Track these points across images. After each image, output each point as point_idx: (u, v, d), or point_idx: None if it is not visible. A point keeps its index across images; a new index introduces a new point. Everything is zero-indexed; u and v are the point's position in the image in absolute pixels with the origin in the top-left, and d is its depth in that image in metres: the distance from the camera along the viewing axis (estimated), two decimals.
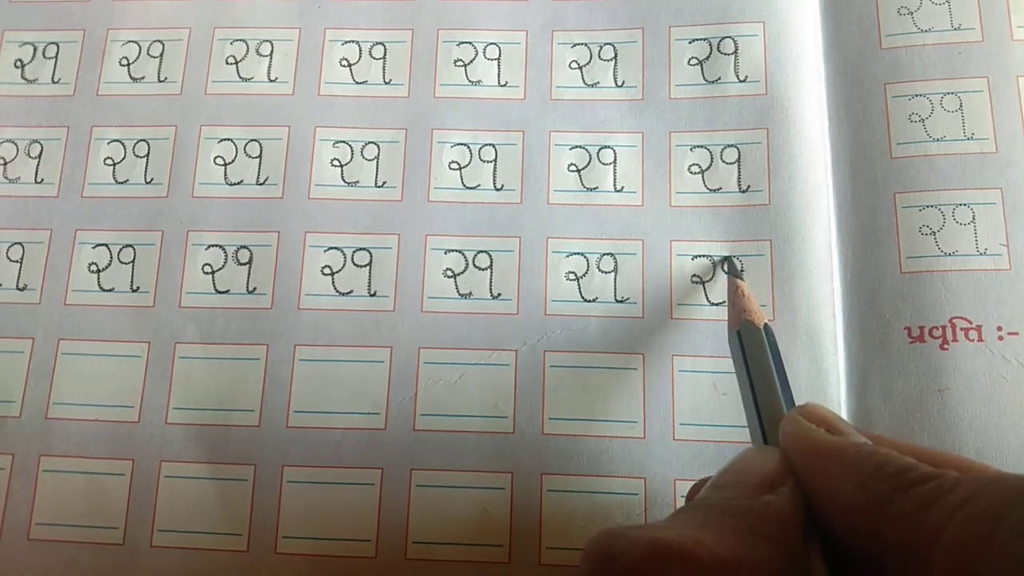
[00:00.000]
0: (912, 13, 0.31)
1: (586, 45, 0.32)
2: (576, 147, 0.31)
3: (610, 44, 0.32)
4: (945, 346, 0.28)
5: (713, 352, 0.28)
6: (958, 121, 0.30)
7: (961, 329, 0.28)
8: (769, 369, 0.23)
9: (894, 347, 0.28)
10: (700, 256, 0.29)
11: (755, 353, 0.23)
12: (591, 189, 0.30)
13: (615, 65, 0.31)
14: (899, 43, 0.31)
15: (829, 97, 0.31)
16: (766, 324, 0.24)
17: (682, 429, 0.28)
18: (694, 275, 0.29)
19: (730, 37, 0.31)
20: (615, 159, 0.30)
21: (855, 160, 0.30)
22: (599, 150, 0.31)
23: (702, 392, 0.28)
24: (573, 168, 0.31)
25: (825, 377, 0.28)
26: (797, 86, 0.31)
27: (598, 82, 0.31)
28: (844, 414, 0.28)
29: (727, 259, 0.29)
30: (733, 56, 0.31)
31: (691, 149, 0.30)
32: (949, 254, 0.28)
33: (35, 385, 0.30)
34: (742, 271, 0.28)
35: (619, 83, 0.31)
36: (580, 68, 0.32)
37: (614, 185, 0.30)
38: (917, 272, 0.28)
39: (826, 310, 0.29)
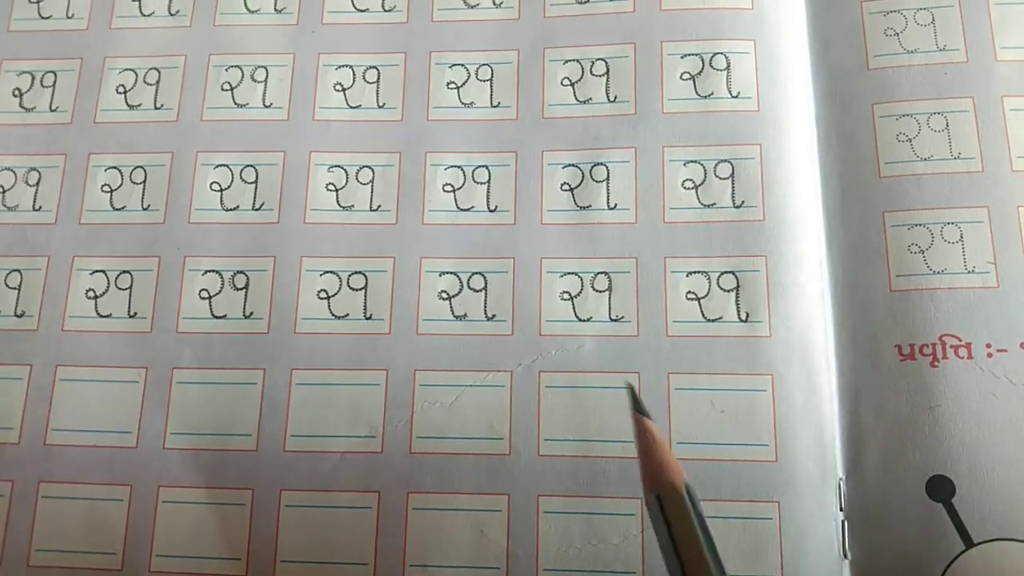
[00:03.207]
0: (898, 34, 0.31)
1: (578, 61, 0.32)
2: (569, 165, 0.31)
3: (602, 59, 0.32)
4: (935, 364, 0.28)
5: (710, 369, 0.28)
6: (944, 141, 0.30)
7: (951, 347, 0.28)
8: (697, 540, 0.19)
9: (885, 365, 0.28)
10: (695, 272, 0.29)
11: (680, 521, 0.20)
12: (584, 208, 0.30)
13: (607, 80, 0.32)
14: (886, 63, 0.31)
15: (818, 116, 0.31)
16: (687, 483, 0.20)
17: (679, 448, 0.28)
18: (689, 292, 0.29)
19: (722, 53, 0.31)
20: (608, 176, 0.31)
21: (844, 179, 0.30)
22: (592, 167, 0.31)
23: (699, 410, 0.28)
24: (566, 187, 0.31)
25: (819, 394, 0.28)
26: (788, 104, 0.31)
27: (590, 98, 0.31)
28: (837, 431, 0.28)
29: (630, 389, 0.22)
30: (725, 72, 0.31)
31: (684, 164, 0.30)
32: (938, 272, 0.29)
33: (34, 411, 0.30)
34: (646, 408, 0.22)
35: (611, 98, 0.31)
36: (572, 84, 0.32)
37: (607, 203, 0.30)
38: (907, 290, 0.29)
39: (819, 327, 0.29)
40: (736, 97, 0.31)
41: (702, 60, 0.31)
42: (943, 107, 0.30)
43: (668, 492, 0.20)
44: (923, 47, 0.31)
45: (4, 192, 0.32)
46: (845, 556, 0.27)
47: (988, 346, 0.28)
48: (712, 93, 0.31)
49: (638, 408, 0.22)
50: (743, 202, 0.30)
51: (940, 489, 0.27)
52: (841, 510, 0.27)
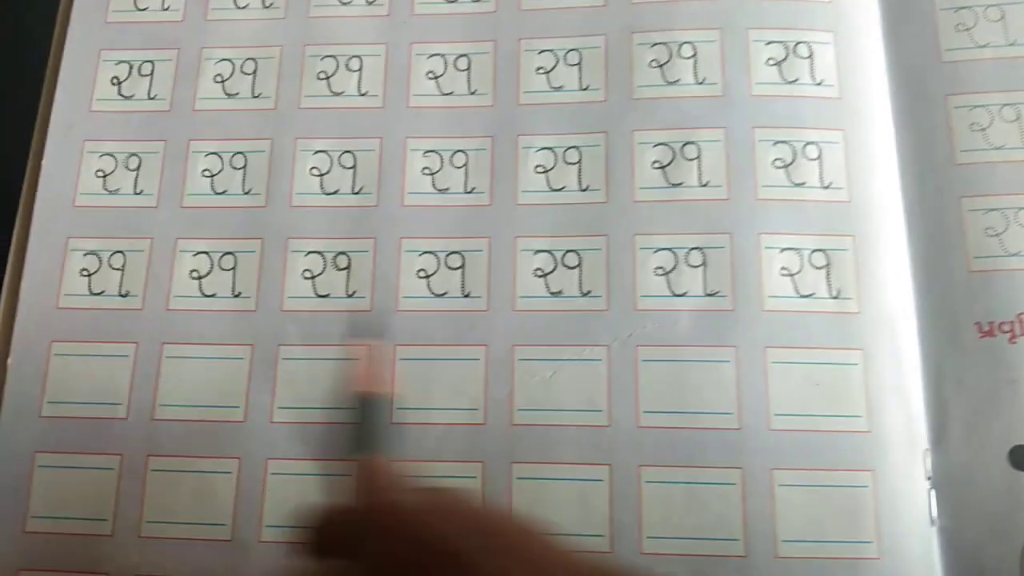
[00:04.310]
0: (969, 29, 0.33)
1: (665, 44, 0.33)
2: (660, 144, 0.32)
3: (689, 43, 0.33)
4: (1014, 340, 0.29)
5: (804, 344, 0.29)
6: (1016, 131, 0.31)
7: None
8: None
9: (966, 341, 0.29)
10: (788, 249, 0.30)
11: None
12: (676, 185, 0.31)
13: (695, 62, 0.32)
14: (958, 57, 0.32)
15: (894, 106, 0.32)
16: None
17: (777, 419, 0.28)
18: (783, 267, 0.30)
19: (804, 42, 0.32)
20: (699, 154, 0.31)
21: (922, 166, 0.31)
22: (683, 146, 0.32)
23: (796, 382, 0.29)
24: (657, 165, 0.31)
25: (905, 368, 0.29)
26: (867, 93, 0.32)
27: (678, 79, 0.32)
28: (922, 404, 0.29)
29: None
30: (808, 60, 0.32)
31: (774, 144, 0.31)
32: (1014, 254, 0.30)
33: (140, 388, 0.31)
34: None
35: (699, 80, 0.32)
36: (660, 67, 0.33)
37: (699, 180, 0.31)
38: (984, 271, 0.30)
39: (903, 305, 0.30)
40: (819, 84, 0.32)
41: (786, 48, 0.32)
42: (1013, 99, 0.32)
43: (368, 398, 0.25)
44: (993, 42, 0.32)
45: (105, 176, 0.33)
46: (933, 523, 0.28)
47: None
48: (797, 79, 0.32)
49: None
50: (830, 183, 0.31)
51: (1023, 458, 0.28)
52: (928, 479, 0.28)
